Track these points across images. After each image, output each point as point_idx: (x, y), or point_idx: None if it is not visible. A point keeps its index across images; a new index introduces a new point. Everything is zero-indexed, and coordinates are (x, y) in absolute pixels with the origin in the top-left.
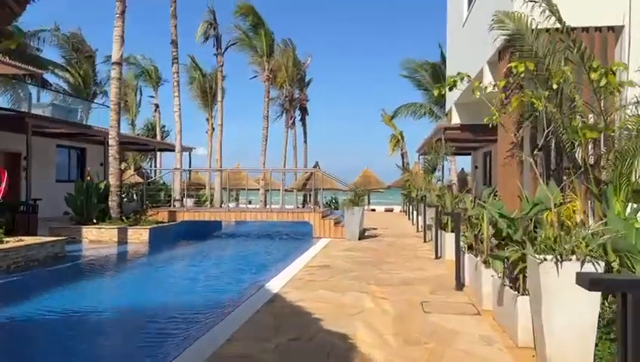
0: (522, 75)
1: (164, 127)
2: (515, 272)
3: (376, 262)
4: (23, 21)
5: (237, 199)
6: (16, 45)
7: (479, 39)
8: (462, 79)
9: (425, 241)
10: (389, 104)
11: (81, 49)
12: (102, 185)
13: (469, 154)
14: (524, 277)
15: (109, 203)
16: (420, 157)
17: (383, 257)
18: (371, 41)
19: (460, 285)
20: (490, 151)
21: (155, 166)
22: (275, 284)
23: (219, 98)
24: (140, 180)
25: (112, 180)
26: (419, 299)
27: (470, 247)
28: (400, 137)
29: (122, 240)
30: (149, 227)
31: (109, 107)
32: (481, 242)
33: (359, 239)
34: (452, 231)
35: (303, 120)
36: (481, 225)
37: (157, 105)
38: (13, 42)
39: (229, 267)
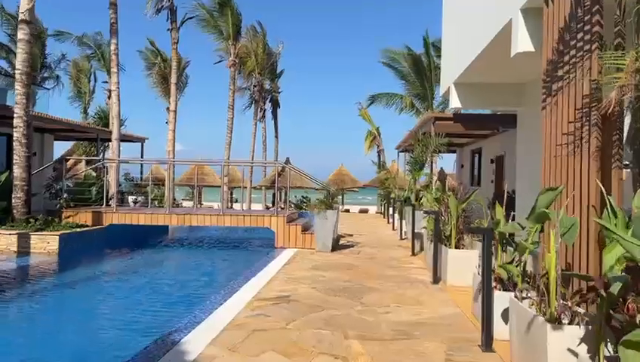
0: None
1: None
2: None
3: (355, 290)
4: None
5: (200, 197)
6: None
7: None
8: None
9: (413, 254)
10: (364, 99)
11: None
12: (2, 178)
13: (454, 152)
14: None
15: (13, 200)
16: (400, 154)
17: (364, 280)
18: (347, 32)
19: (489, 341)
20: (480, 149)
21: (104, 158)
22: (200, 337)
23: (172, 80)
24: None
25: (17, 171)
26: None
27: (500, 280)
28: (377, 133)
29: (23, 250)
30: (60, 233)
31: (48, 89)
32: (544, 285)
33: (332, 250)
34: (456, 248)
35: (274, 113)
36: (540, 255)
37: (110, 92)
38: None
39: (143, 300)
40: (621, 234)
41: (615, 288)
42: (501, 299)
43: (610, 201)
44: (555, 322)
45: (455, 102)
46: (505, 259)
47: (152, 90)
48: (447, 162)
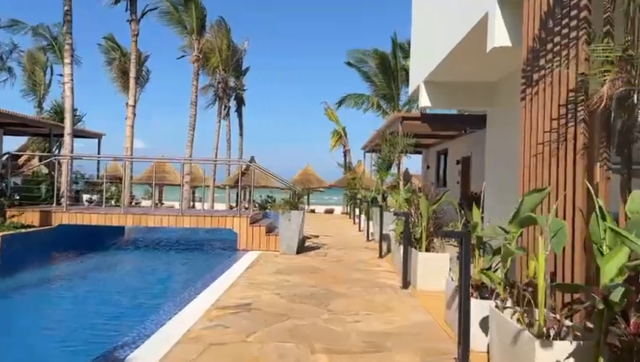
0: None
1: (76, 110)
2: None
3: (322, 296)
4: None
5: (160, 196)
6: None
7: None
8: None
9: (381, 256)
10: (332, 99)
11: None
12: None
13: (420, 153)
14: None
15: None
16: (367, 154)
17: (331, 285)
18: (315, 33)
19: (466, 354)
20: (447, 150)
21: (59, 154)
22: (148, 353)
23: (131, 74)
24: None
25: None
26: None
27: (477, 287)
28: (343, 133)
29: None
30: (1, 234)
31: None
32: (529, 294)
33: (297, 253)
34: (427, 251)
35: (238, 111)
36: (529, 264)
37: (64, 84)
38: None
39: (89, 311)
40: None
41: (617, 295)
42: (479, 308)
43: (600, 205)
44: (544, 337)
45: (424, 101)
46: (481, 265)
47: (113, 84)
48: (413, 163)
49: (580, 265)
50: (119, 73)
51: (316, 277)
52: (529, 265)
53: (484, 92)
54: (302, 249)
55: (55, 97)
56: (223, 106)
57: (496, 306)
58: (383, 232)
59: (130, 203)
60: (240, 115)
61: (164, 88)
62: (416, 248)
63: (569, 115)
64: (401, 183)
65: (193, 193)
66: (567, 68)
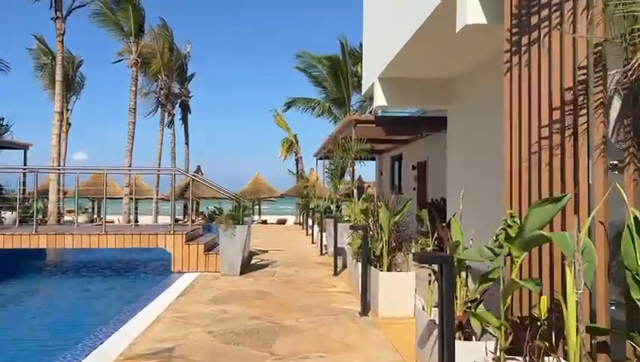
0: None
1: (2, 119)
2: None
3: (265, 332)
4: None
5: (99, 211)
6: None
7: None
8: None
9: (336, 274)
10: (282, 103)
11: None
12: None
13: (373, 159)
14: None
15: None
16: (319, 161)
17: (278, 315)
18: (263, 38)
19: None
20: (401, 155)
21: None
22: None
23: (57, 77)
24: None
25: None
26: None
27: (461, 325)
28: (294, 140)
29: None
30: None
31: None
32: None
33: (241, 273)
34: (389, 269)
35: (184, 118)
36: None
37: None
38: None
39: None
40: None
41: None
42: (463, 351)
43: (635, 215)
44: None
45: (380, 100)
46: (463, 295)
47: (44, 92)
48: (366, 170)
49: (603, 299)
50: (51, 80)
51: (260, 304)
52: (540, 302)
53: (445, 88)
54: (247, 268)
55: None
56: (167, 114)
57: (494, 358)
58: (338, 245)
59: (59, 220)
60: (185, 123)
61: (112, 97)
62: (376, 266)
63: (579, 99)
64: (355, 191)
65: (136, 207)
66: (574, 31)
